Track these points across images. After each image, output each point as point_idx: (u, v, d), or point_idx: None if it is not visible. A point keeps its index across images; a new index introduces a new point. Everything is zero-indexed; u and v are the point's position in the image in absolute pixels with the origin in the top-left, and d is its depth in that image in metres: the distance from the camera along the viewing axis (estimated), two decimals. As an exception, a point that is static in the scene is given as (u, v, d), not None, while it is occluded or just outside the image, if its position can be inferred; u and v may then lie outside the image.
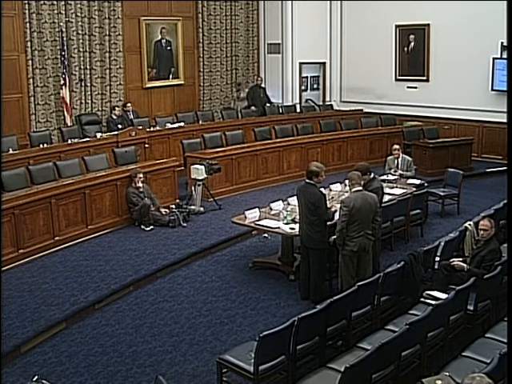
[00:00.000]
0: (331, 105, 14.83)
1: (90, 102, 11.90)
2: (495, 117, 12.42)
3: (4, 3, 10.29)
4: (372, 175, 6.88)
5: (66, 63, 11.07)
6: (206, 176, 9.49)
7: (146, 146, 10.96)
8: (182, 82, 13.57)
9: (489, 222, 6.03)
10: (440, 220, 9.25)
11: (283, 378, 4.76)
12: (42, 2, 10.87)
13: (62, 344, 5.75)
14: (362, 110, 14.45)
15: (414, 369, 4.80)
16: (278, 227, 7.04)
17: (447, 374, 4.11)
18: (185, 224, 8.84)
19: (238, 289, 6.89)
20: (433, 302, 5.13)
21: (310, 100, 14.86)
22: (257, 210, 7.55)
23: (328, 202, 6.71)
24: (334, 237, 6.31)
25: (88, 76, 11.82)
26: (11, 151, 9.53)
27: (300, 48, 14.38)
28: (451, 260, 6.15)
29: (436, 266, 6.33)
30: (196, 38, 13.72)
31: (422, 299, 5.61)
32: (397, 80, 14.15)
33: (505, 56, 12.06)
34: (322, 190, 6.64)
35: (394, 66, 14.11)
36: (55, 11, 11.06)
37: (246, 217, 7.40)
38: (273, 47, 14.63)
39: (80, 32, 11.51)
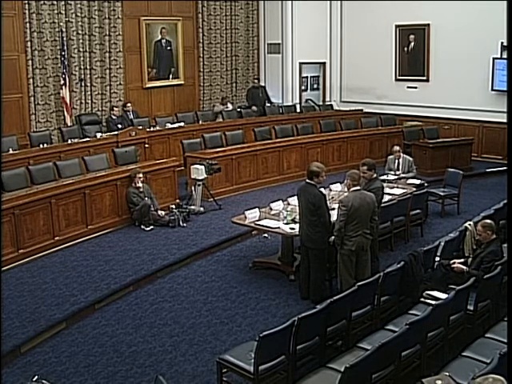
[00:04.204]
0: (331, 105, 14.84)
1: (90, 102, 11.90)
2: (495, 117, 12.42)
3: (4, 3, 10.29)
4: (375, 175, 6.90)
5: (66, 63, 11.07)
6: (205, 176, 9.49)
7: (146, 146, 10.96)
8: (182, 82, 13.57)
9: (482, 227, 6.03)
10: (440, 220, 9.25)
11: (283, 378, 4.76)
12: (42, 1, 10.87)
13: (61, 344, 5.75)
14: (362, 109, 14.46)
15: (414, 369, 4.80)
16: (278, 227, 7.03)
17: (447, 374, 4.12)
18: (185, 224, 8.84)
19: (238, 289, 6.89)
20: (433, 302, 5.13)
21: (310, 100, 14.86)
22: (257, 210, 7.55)
23: (328, 202, 6.70)
24: (333, 237, 6.31)
25: (88, 76, 11.82)
26: (11, 151, 9.54)
27: (300, 48, 14.38)
28: (452, 261, 6.15)
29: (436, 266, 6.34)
30: (196, 37, 13.72)
31: (422, 299, 5.61)
32: (397, 80, 14.15)
33: (505, 56, 12.06)
34: (322, 190, 6.64)
35: (393, 66, 14.11)
36: (55, 11, 11.06)
37: (245, 217, 7.39)
38: (273, 47, 14.63)
39: (80, 32, 11.51)
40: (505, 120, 11.22)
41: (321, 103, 14.99)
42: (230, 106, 13.73)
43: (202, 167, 9.41)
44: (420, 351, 4.79)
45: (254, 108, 13.80)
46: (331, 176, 9.72)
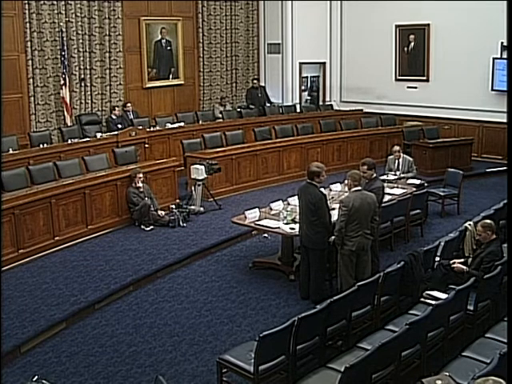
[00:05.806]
0: (331, 105, 14.83)
1: (89, 102, 11.90)
2: (495, 117, 12.41)
3: (4, 3, 10.29)
4: (375, 174, 6.91)
5: (66, 63, 11.07)
6: (206, 176, 9.49)
7: (146, 146, 10.96)
8: (182, 82, 13.57)
9: (482, 227, 6.03)
10: (440, 220, 9.25)
11: (283, 378, 4.76)
12: (42, 1, 10.87)
13: (62, 344, 5.75)
14: (361, 109, 14.45)
15: (414, 369, 4.80)
16: (278, 227, 7.03)
17: (447, 374, 4.12)
18: (185, 224, 8.84)
19: (238, 289, 6.89)
20: (433, 302, 5.14)
21: (310, 100, 14.85)
22: (257, 210, 7.54)
23: (328, 202, 6.70)
24: (334, 237, 6.31)
25: (88, 76, 11.82)
26: (11, 151, 9.54)
27: (300, 48, 14.38)
28: (452, 261, 6.15)
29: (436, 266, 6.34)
30: (196, 37, 13.72)
31: (422, 299, 5.61)
32: (397, 80, 14.14)
33: (505, 56, 12.05)
34: (322, 190, 6.64)
35: (394, 66, 14.11)
36: (55, 11, 11.07)
37: (246, 217, 7.39)
38: (273, 47, 14.63)
39: (80, 32, 11.52)
40: (505, 120, 11.22)
41: (321, 103, 14.99)
42: (228, 107, 13.73)
43: (202, 167, 9.41)
44: (420, 351, 4.79)
45: (251, 106, 13.84)
46: (331, 176, 9.72)
